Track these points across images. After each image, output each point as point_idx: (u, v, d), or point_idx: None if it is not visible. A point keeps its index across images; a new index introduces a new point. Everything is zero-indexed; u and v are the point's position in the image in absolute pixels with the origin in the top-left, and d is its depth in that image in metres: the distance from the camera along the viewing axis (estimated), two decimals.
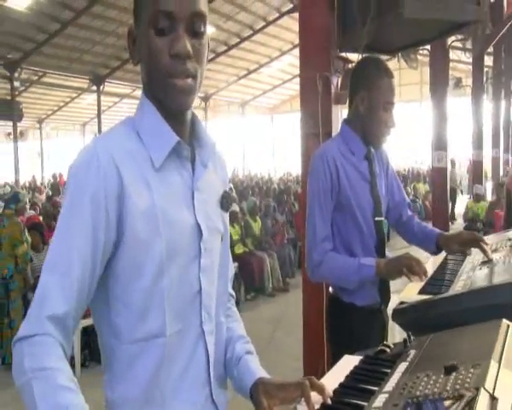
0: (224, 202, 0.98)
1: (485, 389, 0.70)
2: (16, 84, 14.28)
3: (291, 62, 17.39)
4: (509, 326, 0.94)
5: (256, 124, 25.34)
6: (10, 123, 14.73)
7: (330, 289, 1.79)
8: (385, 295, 1.73)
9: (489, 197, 8.78)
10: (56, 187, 12.34)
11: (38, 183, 17.94)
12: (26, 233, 4.71)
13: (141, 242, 0.83)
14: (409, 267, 1.46)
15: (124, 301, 0.85)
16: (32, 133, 24.32)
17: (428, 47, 5.55)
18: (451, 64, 7.62)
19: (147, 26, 0.84)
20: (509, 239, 1.72)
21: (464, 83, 10.21)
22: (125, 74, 16.08)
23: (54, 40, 12.98)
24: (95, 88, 16.16)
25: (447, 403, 0.70)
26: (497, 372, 0.76)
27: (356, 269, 1.58)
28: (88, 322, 3.72)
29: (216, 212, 0.96)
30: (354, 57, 2.47)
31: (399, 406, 0.75)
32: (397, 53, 2.73)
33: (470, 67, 9.76)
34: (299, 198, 8.07)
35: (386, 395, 0.81)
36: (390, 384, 0.85)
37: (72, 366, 4.09)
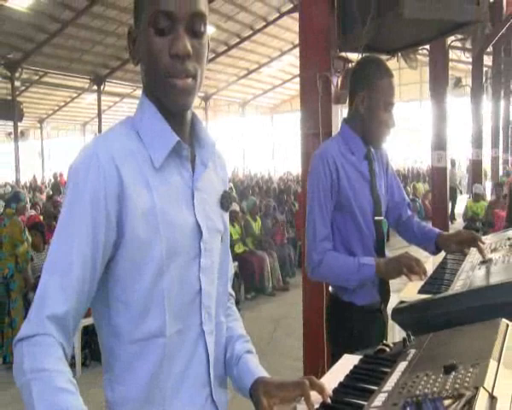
0: (224, 202, 0.98)
1: (484, 388, 0.70)
2: (17, 83, 14.33)
3: (291, 62, 17.40)
4: (508, 326, 0.95)
5: (256, 124, 25.34)
6: (11, 123, 14.75)
7: (330, 288, 1.79)
8: (385, 295, 1.73)
9: (488, 197, 8.77)
10: (57, 187, 12.37)
11: (39, 182, 17.96)
12: (27, 232, 4.72)
13: (141, 242, 0.83)
14: (408, 267, 1.46)
15: (124, 301, 0.85)
16: (33, 133, 24.34)
17: (428, 47, 5.55)
18: (451, 64, 7.62)
19: (147, 25, 0.84)
20: (509, 238, 1.72)
21: (464, 82, 10.20)
22: (125, 74, 16.09)
23: (54, 40, 12.99)
24: (95, 88, 16.17)
25: (446, 402, 0.70)
26: (497, 372, 0.76)
27: (356, 268, 1.58)
28: (89, 321, 3.72)
29: (216, 212, 0.96)
30: (354, 57, 2.48)
31: (399, 405, 0.75)
32: (396, 53, 2.73)
33: (470, 66, 9.78)
34: (299, 198, 8.08)
35: (386, 395, 0.81)
36: (389, 384, 0.85)
37: (73, 365, 4.10)
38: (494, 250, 1.63)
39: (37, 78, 16.00)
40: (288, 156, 23.19)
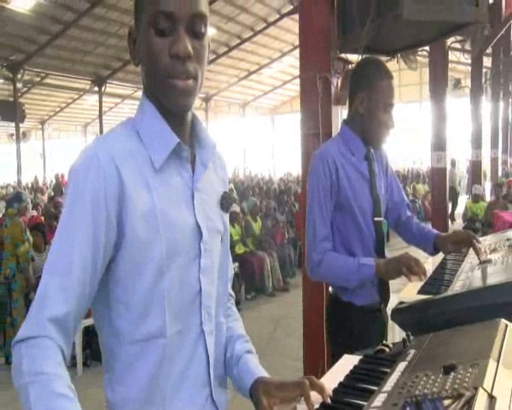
0: (224, 203, 0.98)
1: (483, 388, 0.70)
2: (19, 85, 14.35)
3: (291, 63, 17.41)
4: (507, 326, 0.95)
5: (257, 124, 25.34)
6: (13, 124, 14.75)
7: (330, 288, 1.79)
8: (384, 295, 1.73)
9: (488, 198, 8.77)
10: (58, 187, 12.36)
11: (40, 183, 17.97)
12: (28, 233, 4.73)
13: (141, 242, 0.83)
14: (408, 267, 1.46)
15: (124, 302, 0.85)
16: (35, 134, 24.34)
17: (428, 48, 5.54)
18: (450, 65, 7.61)
19: (147, 26, 0.84)
20: (508, 239, 1.72)
21: (463, 84, 10.21)
22: (126, 75, 16.10)
23: (56, 42, 13.02)
24: (96, 89, 16.19)
25: (446, 402, 0.70)
26: (496, 372, 0.76)
27: (355, 269, 1.58)
28: (90, 321, 3.72)
29: (216, 212, 0.96)
30: (354, 58, 2.48)
31: (399, 405, 0.75)
32: (396, 54, 2.73)
33: (469, 67, 9.79)
34: (299, 198, 8.07)
35: (386, 395, 0.81)
36: (389, 384, 0.85)
37: (74, 365, 4.10)
38: (493, 251, 1.63)
39: (38, 79, 16.02)
40: (288, 157, 23.18)
